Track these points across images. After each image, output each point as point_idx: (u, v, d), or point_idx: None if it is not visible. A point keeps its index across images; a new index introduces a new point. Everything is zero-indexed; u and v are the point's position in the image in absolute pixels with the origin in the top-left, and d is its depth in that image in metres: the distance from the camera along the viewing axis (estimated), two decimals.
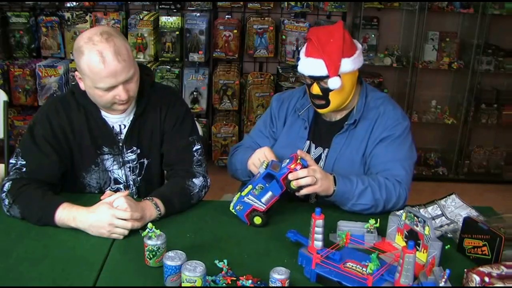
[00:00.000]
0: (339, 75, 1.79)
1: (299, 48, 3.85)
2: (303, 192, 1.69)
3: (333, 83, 1.79)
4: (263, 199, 1.70)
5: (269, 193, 1.70)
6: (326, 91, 1.83)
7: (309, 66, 1.82)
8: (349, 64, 1.81)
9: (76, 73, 1.75)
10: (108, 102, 1.74)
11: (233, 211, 1.74)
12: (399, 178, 1.81)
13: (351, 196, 1.76)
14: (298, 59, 1.92)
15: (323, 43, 1.79)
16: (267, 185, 1.69)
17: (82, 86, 1.76)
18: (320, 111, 1.92)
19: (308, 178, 1.66)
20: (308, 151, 1.97)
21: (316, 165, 1.73)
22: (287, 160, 1.72)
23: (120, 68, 1.66)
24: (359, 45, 1.88)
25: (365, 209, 1.77)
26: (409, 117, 3.89)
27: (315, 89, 1.84)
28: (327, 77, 1.79)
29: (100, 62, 1.63)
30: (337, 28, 1.82)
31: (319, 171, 1.70)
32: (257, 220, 1.72)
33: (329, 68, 1.78)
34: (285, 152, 1.93)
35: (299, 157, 1.70)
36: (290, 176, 1.66)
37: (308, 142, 1.98)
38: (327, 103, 1.86)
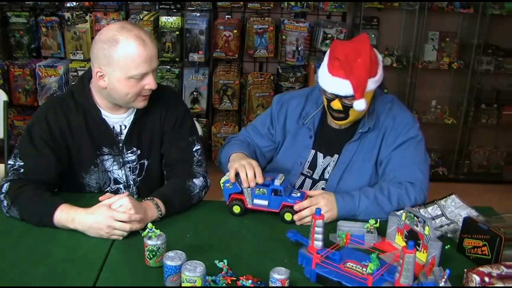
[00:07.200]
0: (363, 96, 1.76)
1: (299, 48, 3.86)
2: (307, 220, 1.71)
3: (359, 105, 1.76)
4: (256, 201, 1.72)
5: (265, 202, 1.72)
6: (347, 107, 1.81)
7: (335, 85, 1.77)
8: (373, 84, 1.79)
9: (98, 70, 1.69)
10: (135, 94, 1.72)
11: (221, 184, 1.77)
12: (414, 180, 1.78)
13: (357, 213, 1.74)
14: (318, 67, 1.90)
15: (350, 63, 1.73)
16: (272, 195, 1.71)
17: (103, 84, 1.71)
18: (338, 122, 1.90)
19: (308, 210, 1.70)
20: (314, 161, 1.95)
21: (321, 195, 1.74)
22: (298, 193, 1.74)
23: (155, 52, 1.71)
24: (380, 57, 1.83)
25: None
26: None
27: (337, 105, 1.81)
28: (352, 97, 1.76)
29: (140, 45, 1.65)
30: (364, 46, 1.75)
31: (324, 204, 1.71)
32: (236, 209, 1.75)
33: (356, 90, 1.74)
34: (288, 161, 1.95)
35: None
36: (296, 207, 1.70)
37: (313, 151, 1.96)
38: (346, 116, 1.84)
